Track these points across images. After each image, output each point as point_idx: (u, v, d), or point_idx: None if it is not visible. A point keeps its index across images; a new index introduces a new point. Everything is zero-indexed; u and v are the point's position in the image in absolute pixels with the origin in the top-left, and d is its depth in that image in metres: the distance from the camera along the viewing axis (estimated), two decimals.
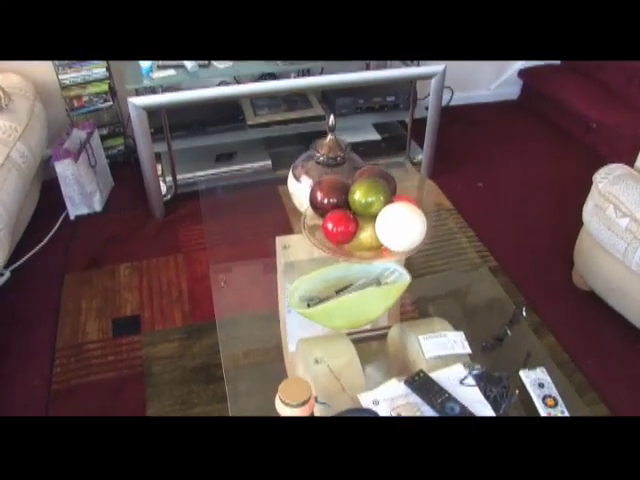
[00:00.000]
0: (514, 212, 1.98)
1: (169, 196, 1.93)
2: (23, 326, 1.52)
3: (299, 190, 1.25)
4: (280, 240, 1.27)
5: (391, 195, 1.05)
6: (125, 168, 2.11)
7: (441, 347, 1.03)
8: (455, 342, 1.04)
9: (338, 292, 1.08)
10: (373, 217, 1.03)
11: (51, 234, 1.82)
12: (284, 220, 1.93)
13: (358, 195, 1.02)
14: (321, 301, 1.05)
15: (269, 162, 2.03)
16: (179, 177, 1.94)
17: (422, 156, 2.08)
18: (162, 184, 1.91)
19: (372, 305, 1.03)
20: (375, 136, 2.13)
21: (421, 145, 2.09)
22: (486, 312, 1.36)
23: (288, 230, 1.82)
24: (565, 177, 2.14)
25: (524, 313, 1.12)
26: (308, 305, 1.05)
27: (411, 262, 1.26)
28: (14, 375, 1.39)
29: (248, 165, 2.00)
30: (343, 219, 1.03)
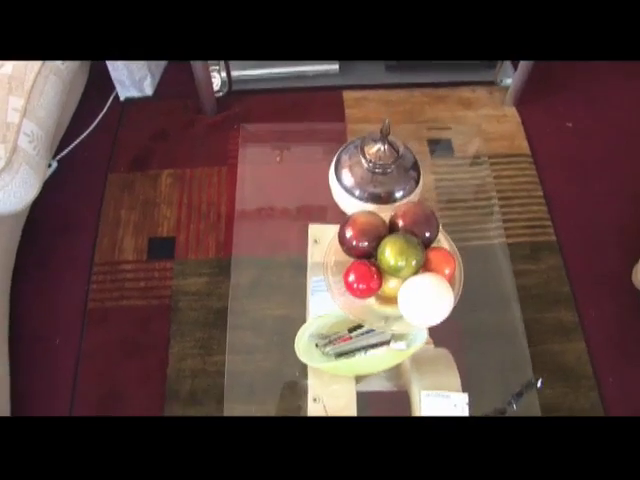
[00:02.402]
0: (598, 169, 1.74)
1: (222, 93, 1.78)
2: (65, 230, 1.57)
3: (337, 191, 1.14)
4: (313, 230, 1.20)
5: (424, 256, 0.94)
6: None
7: (440, 408, 1.02)
8: (456, 406, 1.02)
9: (351, 330, 1.04)
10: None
11: (100, 117, 1.77)
12: (341, 131, 1.80)
13: (388, 254, 0.92)
14: (331, 342, 1.03)
15: (336, 66, 1.80)
16: (234, 73, 1.77)
17: (512, 79, 1.80)
18: (216, 75, 1.76)
19: (379, 364, 1.01)
20: None
21: (515, 66, 1.79)
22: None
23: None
24: None
25: (540, 384, 1.07)
26: (316, 345, 1.03)
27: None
28: (53, 287, 1.48)
29: (311, 67, 1.79)
30: (366, 275, 0.95)
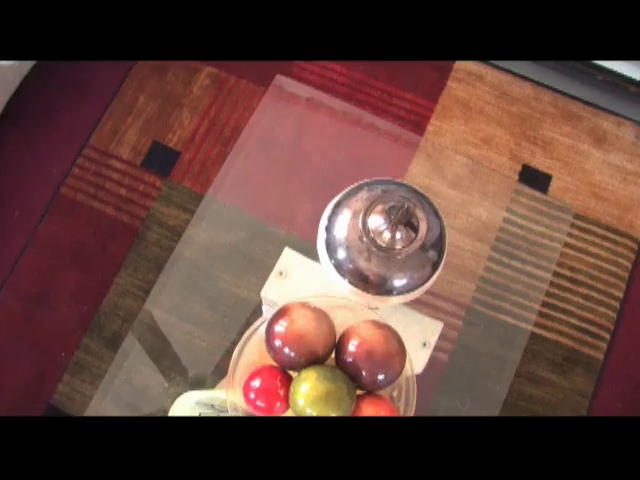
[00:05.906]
0: None
1: None
2: (72, 92, 1.36)
3: (320, 236, 0.85)
4: (285, 256, 0.94)
5: (349, 412, 0.68)
6: None
7: None
8: None
9: None
10: None
11: None
12: (428, 107, 1.42)
13: (302, 391, 0.68)
14: (220, 413, 0.83)
15: None
16: None
17: None
18: None
19: None
20: (635, 73, 1.32)
21: None
22: None
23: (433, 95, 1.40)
24: None
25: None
26: (199, 414, 0.83)
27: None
28: (36, 151, 1.32)
29: None
30: (272, 394, 0.71)
